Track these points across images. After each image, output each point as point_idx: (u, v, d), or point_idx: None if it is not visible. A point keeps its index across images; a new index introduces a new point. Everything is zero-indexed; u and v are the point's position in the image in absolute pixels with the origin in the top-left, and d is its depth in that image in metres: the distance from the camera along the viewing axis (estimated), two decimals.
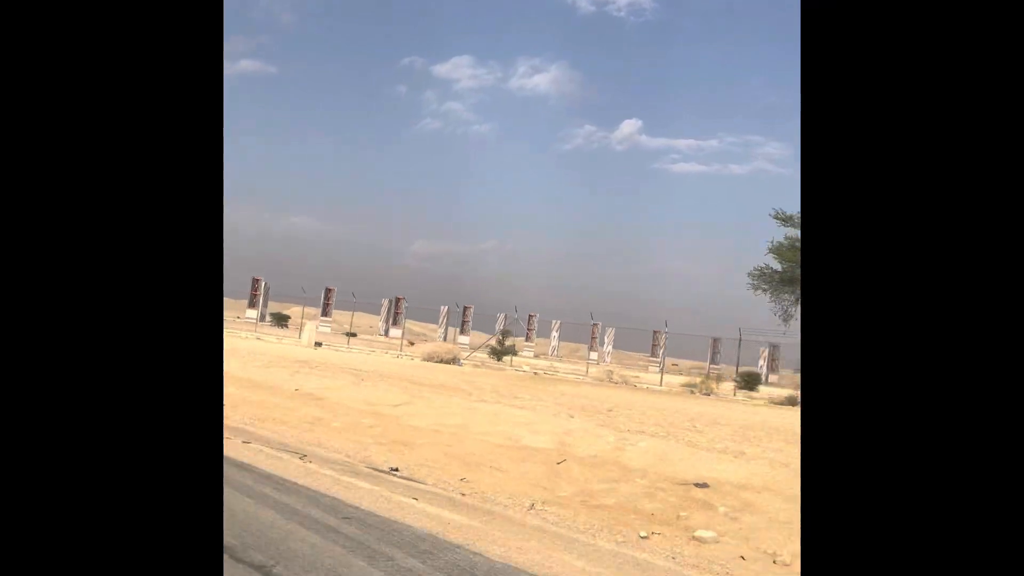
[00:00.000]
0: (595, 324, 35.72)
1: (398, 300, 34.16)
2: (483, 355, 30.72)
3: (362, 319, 47.47)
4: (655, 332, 36.24)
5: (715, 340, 35.45)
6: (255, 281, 32.86)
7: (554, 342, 39.25)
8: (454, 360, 25.26)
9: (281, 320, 35.20)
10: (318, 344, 27.16)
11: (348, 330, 35.25)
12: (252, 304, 33.18)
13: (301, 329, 29.66)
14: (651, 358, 36.77)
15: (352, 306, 36.41)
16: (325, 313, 33.26)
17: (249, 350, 20.06)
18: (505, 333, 32.33)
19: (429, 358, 24.56)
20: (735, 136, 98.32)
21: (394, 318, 34.52)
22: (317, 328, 28.94)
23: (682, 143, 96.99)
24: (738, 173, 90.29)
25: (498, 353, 30.15)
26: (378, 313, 43.23)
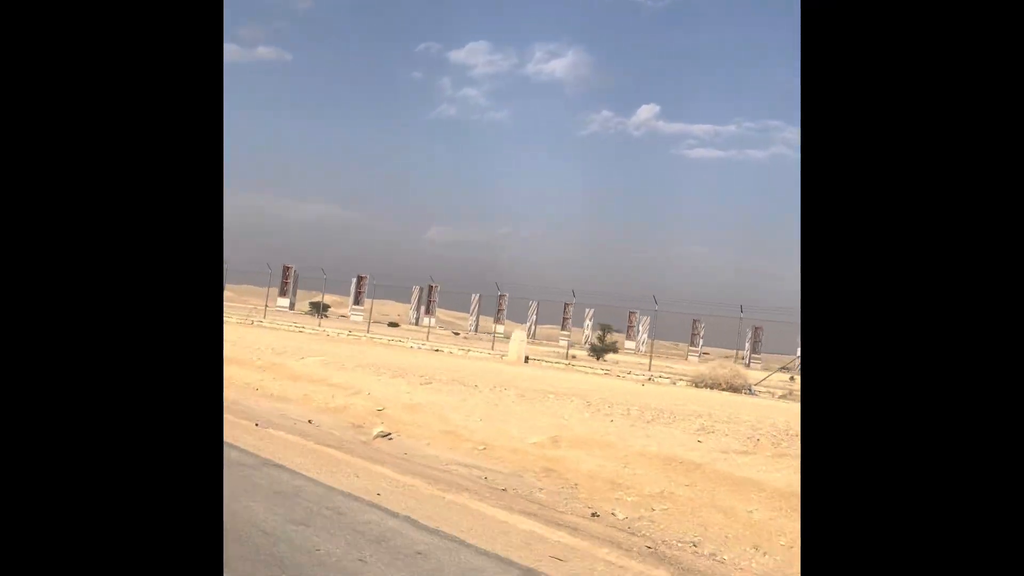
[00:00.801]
0: (632, 312, 34.79)
1: (431, 288, 33.24)
2: (671, 364, 23.67)
3: (387, 307, 46.66)
4: (695, 321, 35.28)
5: (756, 328, 34.42)
6: (285, 269, 32.02)
7: (587, 331, 38.30)
8: (744, 387, 16.39)
9: (321, 309, 34.05)
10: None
11: (375, 319, 34.32)
12: (283, 292, 32.35)
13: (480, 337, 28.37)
14: (691, 347, 35.85)
15: (373, 293, 35.51)
16: (357, 302, 32.42)
17: (468, 376, 12.23)
18: (605, 328, 28.04)
19: (713, 384, 16.16)
20: (753, 121, 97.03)
21: (427, 306, 33.61)
22: (517, 336, 21.47)
23: (699, 128, 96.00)
24: (757, 158, 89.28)
25: (598, 351, 25.68)
26: (401, 300, 42.50)
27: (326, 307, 34.14)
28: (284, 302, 32.29)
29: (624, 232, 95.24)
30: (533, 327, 39.63)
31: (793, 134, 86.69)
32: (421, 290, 35.91)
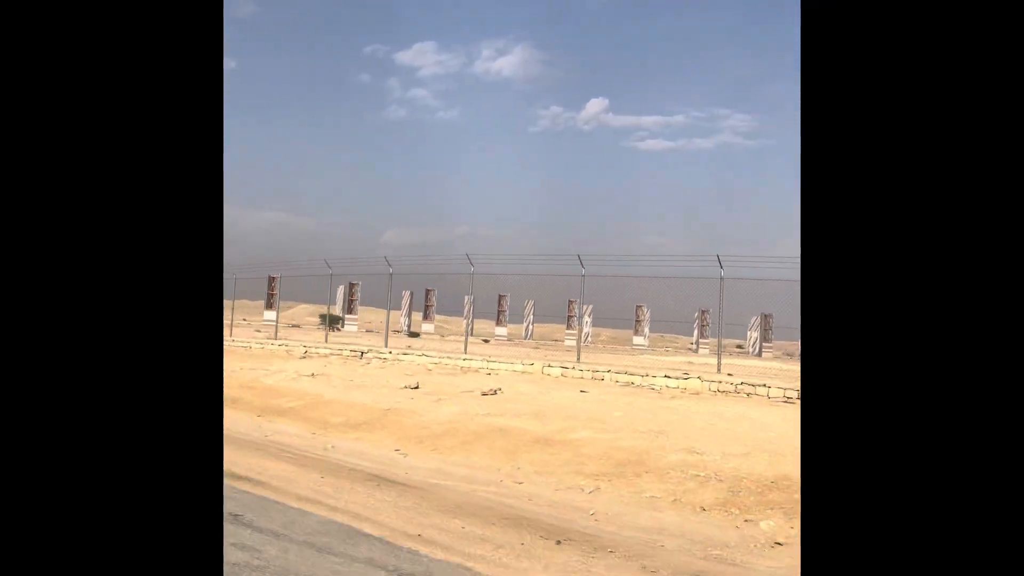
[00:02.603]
0: (639, 306, 33.27)
1: (428, 292, 31.07)
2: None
3: (370, 314, 44.13)
4: (703, 312, 34.04)
5: (766, 316, 33.35)
6: (271, 280, 29.36)
7: (587, 328, 36.66)
8: None
9: (333, 322, 31.15)
10: None
11: (368, 328, 31.80)
12: (270, 305, 29.68)
13: None
14: (702, 340, 34.58)
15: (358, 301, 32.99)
16: (350, 311, 30.04)
17: None
18: None
19: None
20: (701, 111, 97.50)
21: (425, 312, 31.42)
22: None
23: (648, 120, 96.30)
24: (705, 147, 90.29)
25: None
26: (379, 306, 39.92)
27: (337, 319, 31.38)
28: (271, 315, 29.63)
29: (583, 226, 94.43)
30: (531, 327, 37.82)
31: (739, 121, 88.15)
32: (412, 295, 33.66)
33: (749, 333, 35.99)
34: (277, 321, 29.02)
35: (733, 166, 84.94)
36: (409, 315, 34.50)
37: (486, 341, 29.67)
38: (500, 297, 31.98)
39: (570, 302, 33.14)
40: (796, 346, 36.15)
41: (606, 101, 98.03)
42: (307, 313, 45.87)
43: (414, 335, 29.41)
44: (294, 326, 28.23)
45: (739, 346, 39.99)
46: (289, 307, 35.03)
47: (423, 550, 5.15)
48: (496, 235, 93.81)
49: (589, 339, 36.91)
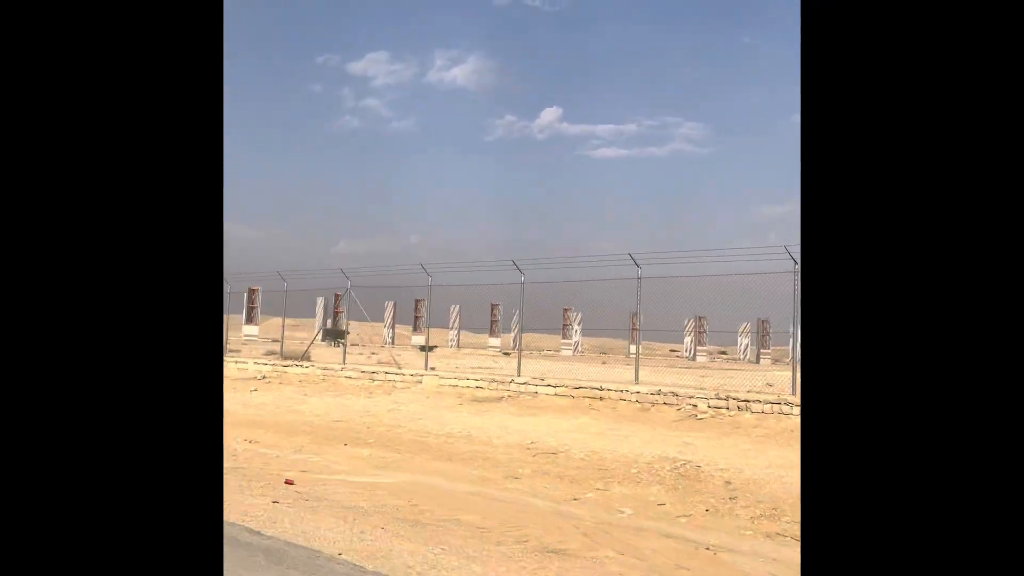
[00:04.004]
0: (634, 314, 32.24)
1: (417, 303, 29.51)
2: None
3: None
4: (700, 318, 33.18)
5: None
6: (251, 292, 27.40)
7: (577, 336, 35.56)
8: None
9: (337, 337, 28.90)
10: None
11: (351, 342, 29.85)
12: (250, 319, 27.70)
13: None
14: (700, 348, 33.73)
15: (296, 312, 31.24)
16: (335, 324, 28.23)
17: None
18: None
19: None
20: (653, 119, 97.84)
21: (414, 324, 29.83)
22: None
23: (602, 128, 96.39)
24: (657, 155, 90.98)
25: None
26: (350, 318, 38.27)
27: (342, 334, 29.26)
28: (252, 330, 27.68)
29: (539, 234, 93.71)
30: (519, 337, 36.51)
31: (691, 129, 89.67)
32: (395, 305, 32.05)
33: (740, 339, 35.35)
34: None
35: (686, 173, 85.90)
36: (393, 327, 32.86)
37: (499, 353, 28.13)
38: (493, 307, 30.58)
39: (565, 310, 31.95)
40: (785, 351, 35.60)
41: (560, 110, 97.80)
42: (279, 326, 43.65)
43: (426, 349, 27.55)
44: (275, 341, 26.29)
45: (723, 351, 39.32)
46: (262, 320, 33.00)
47: None
48: (451, 243, 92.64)
49: (580, 347, 35.81)
